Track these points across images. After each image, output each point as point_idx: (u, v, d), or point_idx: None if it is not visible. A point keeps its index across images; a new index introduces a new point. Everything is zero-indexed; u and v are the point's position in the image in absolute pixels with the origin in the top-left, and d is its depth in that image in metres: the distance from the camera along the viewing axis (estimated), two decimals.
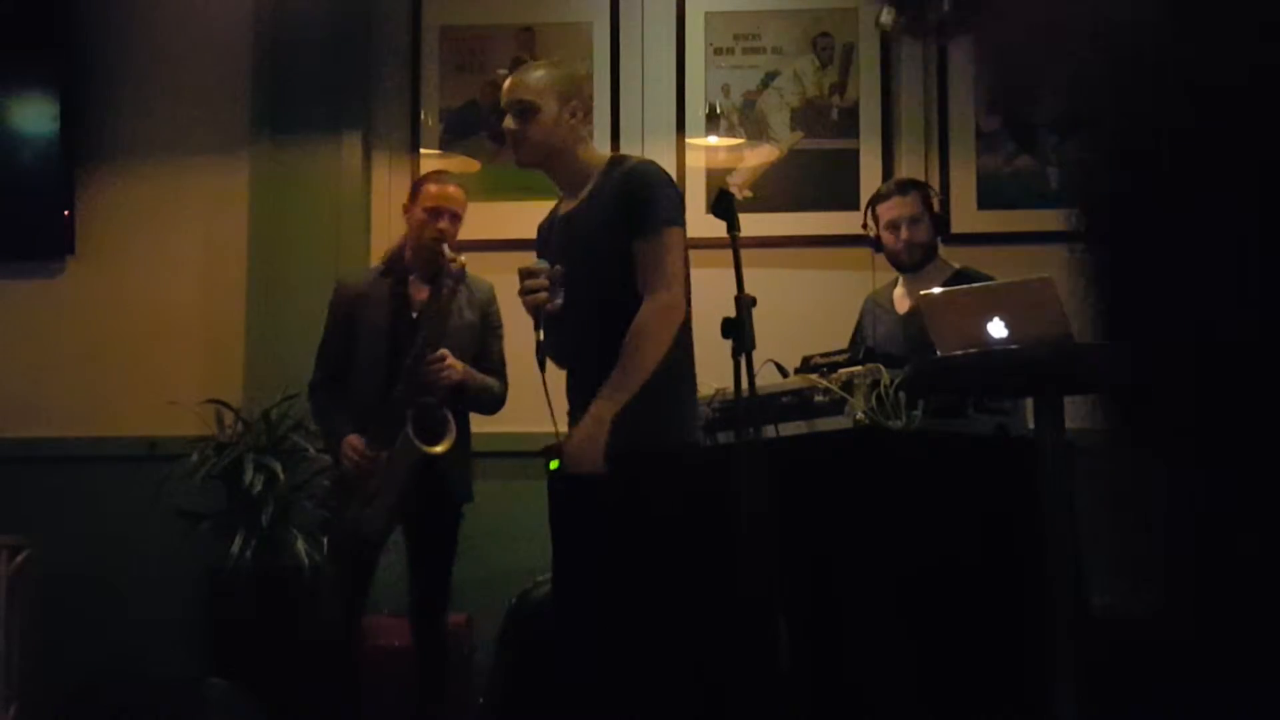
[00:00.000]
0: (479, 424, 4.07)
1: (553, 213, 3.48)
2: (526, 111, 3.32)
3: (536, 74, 3.39)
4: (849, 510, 3.28)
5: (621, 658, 3.17)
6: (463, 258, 3.81)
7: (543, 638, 3.86)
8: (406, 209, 4.04)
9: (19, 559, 4.42)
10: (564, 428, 3.30)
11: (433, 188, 3.98)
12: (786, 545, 2.82)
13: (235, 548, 4.50)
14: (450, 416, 3.82)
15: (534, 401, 3.32)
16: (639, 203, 3.20)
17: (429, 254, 3.91)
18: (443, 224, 3.92)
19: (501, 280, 3.82)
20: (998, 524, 3.30)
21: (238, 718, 4.13)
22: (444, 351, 3.81)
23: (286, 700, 4.39)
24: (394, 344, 3.91)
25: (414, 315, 3.93)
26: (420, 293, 3.96)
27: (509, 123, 3.34)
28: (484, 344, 4.01)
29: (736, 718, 3.29)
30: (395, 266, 4.02)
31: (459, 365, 3.84)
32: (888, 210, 4.05)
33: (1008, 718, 3.19)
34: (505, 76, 3.50)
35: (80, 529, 4.95)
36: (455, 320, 3.92)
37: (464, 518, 4.01)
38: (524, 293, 3.22)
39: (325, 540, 4.18)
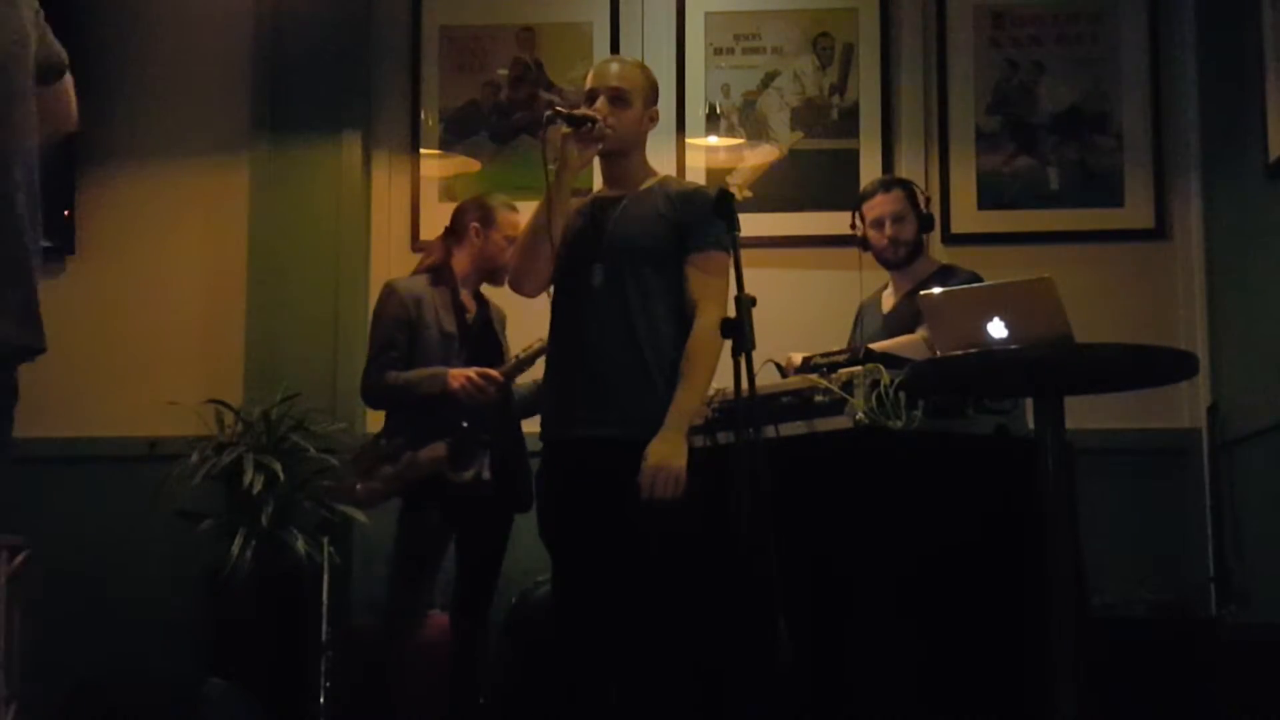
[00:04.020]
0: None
1: (589, 200, 3.48)
2: (621, 100, 3.34)
3: (631, 68, 3.44)
4: (849, 510, 3.28)
5: (622, 656, 3.18)
6: None
7: (544, 637, 3.86)
8: (477, 230, 4.13)
9: (19, 559, 4.41)
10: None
11: (513, 216, 4.13)
12: (786, 545, 2.82)
13: (235, 548, 4.50)
14: (486, 446, 3.97)
15: None
16: (703, 222, 3.26)
17: (495, 273, 4.10)
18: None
19: None
20: (998, 524, 3.29)
21: (238, 718, 4.13)
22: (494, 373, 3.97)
23: (286, 700, 4.39)
24: (462, 349, 4.05)
25: (469, 323, 4.12)
26: (469, 303, 4.16)
27: (601, 106, 3.32)
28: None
29: (737, 717, 3.29)
30: (445, 277, 4.14)
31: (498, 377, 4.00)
32: (872, 208, 4.08)
33: (1008, 718, 3.19)
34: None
35: (80, 529, 4.95)
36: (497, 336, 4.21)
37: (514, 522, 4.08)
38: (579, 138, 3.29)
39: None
